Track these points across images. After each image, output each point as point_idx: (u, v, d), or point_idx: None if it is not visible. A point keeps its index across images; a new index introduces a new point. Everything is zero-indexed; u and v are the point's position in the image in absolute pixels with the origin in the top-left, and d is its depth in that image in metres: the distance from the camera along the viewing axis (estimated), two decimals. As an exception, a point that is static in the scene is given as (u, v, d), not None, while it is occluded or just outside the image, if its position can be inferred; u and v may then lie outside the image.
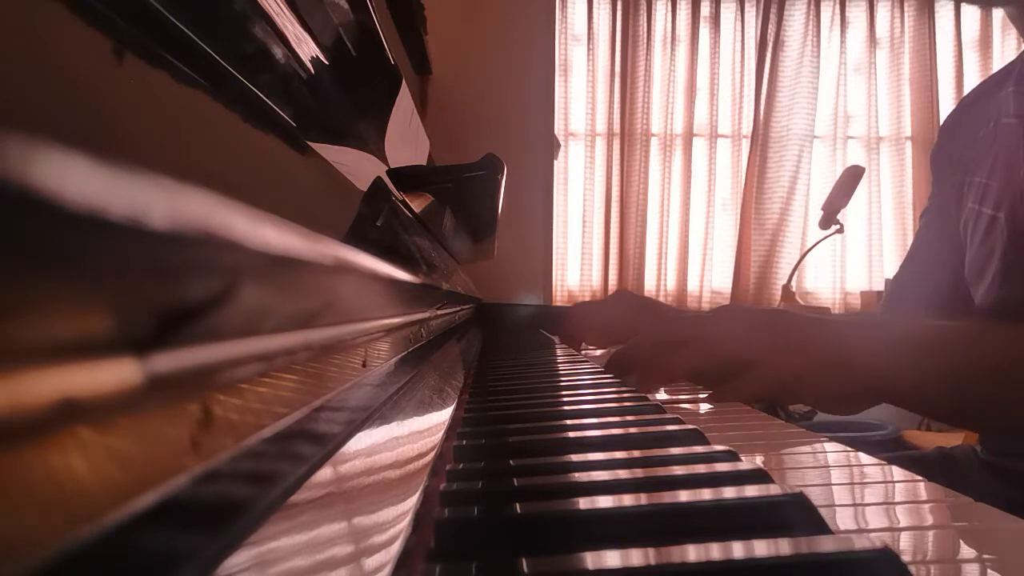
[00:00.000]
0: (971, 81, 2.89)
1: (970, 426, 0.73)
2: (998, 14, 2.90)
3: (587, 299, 2.83)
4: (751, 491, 0.25)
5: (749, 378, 0.56)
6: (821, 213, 2.41)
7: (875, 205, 2.92)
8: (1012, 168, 0.78)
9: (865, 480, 0.33)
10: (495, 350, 1.04)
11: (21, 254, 0.07)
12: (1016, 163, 0.77)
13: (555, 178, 1.97)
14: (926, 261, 0.94)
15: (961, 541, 0.24)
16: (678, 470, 0.29)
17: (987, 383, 0.56)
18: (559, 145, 2.39)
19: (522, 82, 1.68)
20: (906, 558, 0.20)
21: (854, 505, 0.29)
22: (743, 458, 0.31)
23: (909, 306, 0.93)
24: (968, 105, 0.93)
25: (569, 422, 0.42)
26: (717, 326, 0.61)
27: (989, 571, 0.21)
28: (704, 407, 0.55)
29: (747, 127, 2.92)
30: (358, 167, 0.37)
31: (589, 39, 2.87)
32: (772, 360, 0.57)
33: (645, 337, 0.63)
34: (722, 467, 0.29)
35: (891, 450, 0.99)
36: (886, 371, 0.57)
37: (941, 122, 2.92)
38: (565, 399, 0.52)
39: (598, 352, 1.04)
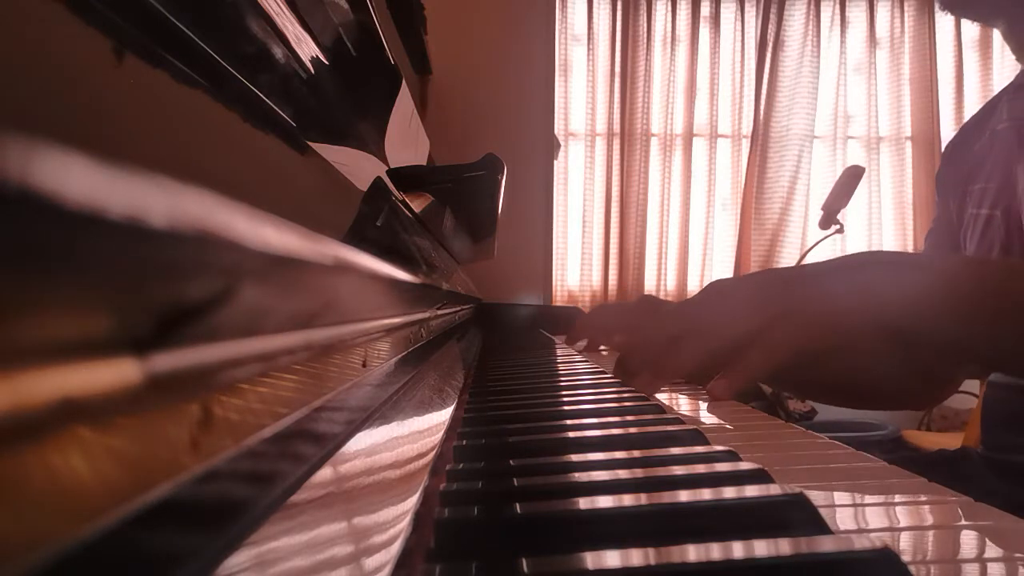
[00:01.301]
0: (971, 81, 2.89)
1: (986, 364, 0.67)
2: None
3: (587, 299, 2.83)
4: (751, 491, 0.25)
5: (750, 358, 0.53)
6: (821, 213, 2.41)
7: (875, 205, 2.91)
8: (1007, 167, 0.79)
9: (865, 480, 0.33)
10: (495, 350, 1.04)
11: (21, 254, 0.07)
12: (1011, 162, 0.79)
13: (555, 178, 1.97)
14: None
15: (961, 541, 0.24)
16: (678, 470, 0.29)
17: (1001, 311, 0.50)
18: (559, 145, 2.39)
19: (522, 82, 1.68)
20: (906, 558, 0.20)
21: (854, 505, 0.29)
22: (743, 458, 0.31)
23: None
24: (967, 129, 0.97)
25: (569, 422, 0.42)
26: (710, 309, 0.57)
27: (990, 570, 0.21)
28: (704, 406, 0.54)
29: (747, 127, 2.92)
30: (358, 167, 0.37)
31: (589, 39, 2.87)
32: (771, 331, 0.53)
33: (642, 339, 0.61)
34: (722, 467, 0.29)
35: (891, 450, 0.99)
36: (890, 307, 0.52)
37: (942, 122, 2.90)
38: (565, 399, 0.52)
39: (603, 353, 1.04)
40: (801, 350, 0.53)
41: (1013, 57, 0.88)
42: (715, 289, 0.60)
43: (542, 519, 0.23)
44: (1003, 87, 0.93)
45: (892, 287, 0.53)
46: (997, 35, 2.91)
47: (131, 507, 0.09)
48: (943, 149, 1.02)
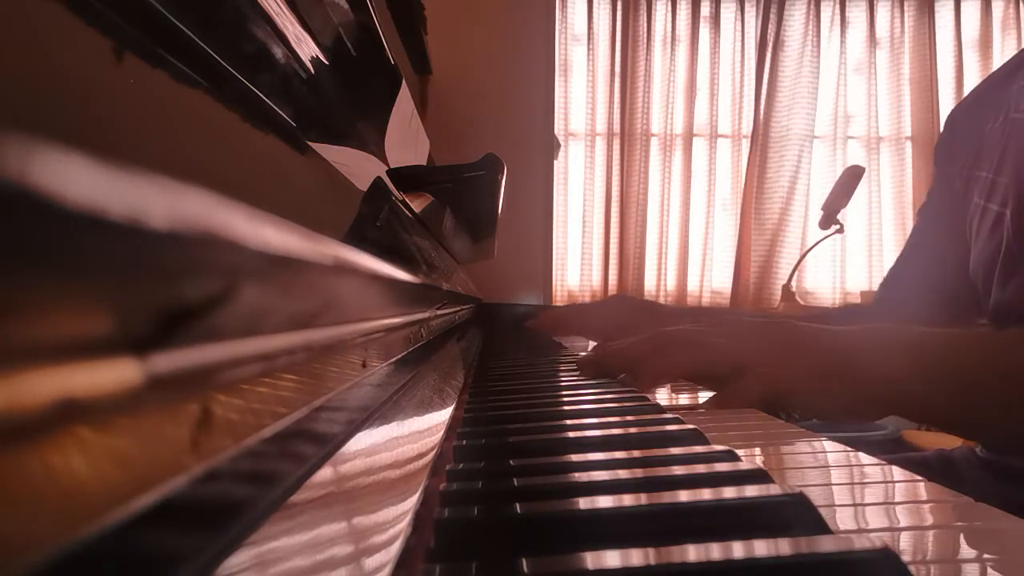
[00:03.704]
0: (971, 81, 2.89)
1: (978, 436, 0.72)
2: (998, 13, 2.90)
3: (587, 299, 2.83)
4: (751, 491, 0.25)
5: (743, 384, 0.55)
6: (821, 213, 2.41)
7: (875, 205, 2.91)
8: (1020, 164, 0.76)
9: (865, 480, 0.33)
10: (495, 350, 1.04)
11: (21, 254, 0.07)
12: None
13: (555, 178, 1.97)
14: (927, 258, 0.93)
15: (961, 541, 0.24)
16: (678, 470, 0.29)
17: (996, 391, 0.55)
18: (559, 145, 2.39)
19: (522, 82, 1.68)
20: (906, 558, 0.20)
21: (854, 505, 0.29)
22: (743, 458, 0.31)
23: (908, 304, 0.92)
24: (975, 98, 0.91)
25: (569, 422, 0.42)
26: (715, 332, 0.60)
27: (990, 571, 0.21)
28: (702, 400, 0.55)
29: (747, 127, 2.92)
30: (358, 167, 0.37)
31: (589, 39, 2.87)
32: (767, 366, 0.56)
33: (638, 338, 0.63)
34: (722, 467, 0.29)
35: (891, 450, 0.99)
36: (889, 380, 0.56)
37: (941, 122, 2.92)
38: (565, 399, 0.52)
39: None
40: (782, 394, 0.57)
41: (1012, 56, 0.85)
42: (725, 317, 0.64)
43: (542, 519, 0.23)
44: (1018, 52, 0.86)
45: (896, 362, 0.57)
46: (997, 35, 2.91)
47: (131, 507, 0.09)
48: (947, 117, 0.95)
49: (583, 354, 0.79)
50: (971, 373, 0.56)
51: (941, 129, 0.97)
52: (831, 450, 0.38)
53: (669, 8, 2.88)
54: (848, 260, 2.90)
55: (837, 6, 2.91)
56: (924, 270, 0.92)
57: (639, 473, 0.28)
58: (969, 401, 0.55)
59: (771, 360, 0.56)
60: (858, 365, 0.56)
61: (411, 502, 0.23)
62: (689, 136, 2.90)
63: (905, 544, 0.24)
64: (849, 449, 0.37)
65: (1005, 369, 0.55)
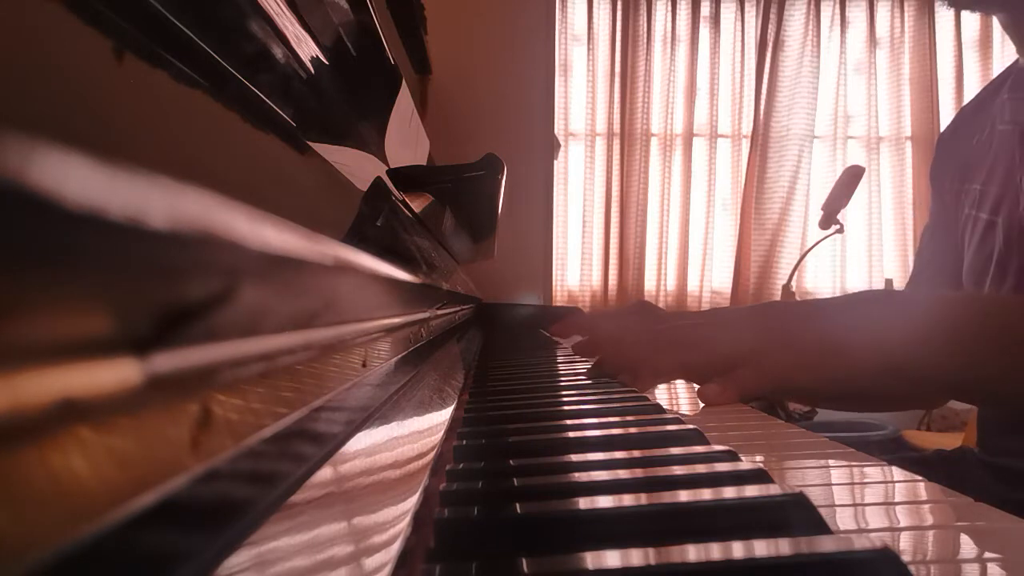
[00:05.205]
0: (971, 81, 2.89)
1: (981, 401, 0.71)
2: (998, 14, 2.90)
3: (587, 299, 2.83)
4: (751, 491, 0.25)
5: (744, 374, 0.55)
6: (821, 213, 2.41)
7: (875, 205, 2.91)
8: (1009, 173, 0.78)
9: (865, 480, 0.33)
10: (495, 350, 1.04)
11: (21, 254, 0.07)
12: (1013, 168, 0.77)
13: (555, 178, 1.97)
14: (928, 276, 0.94)
15: (961, 541, 0.24)
16: (678, 470, 0.29)
17: (994, 354, 0.54)
18: (559, 145, 2.39)
19: (522, 82, 1.68)
20: (906, 558, 0.20)
21: (854, 505, 0.29)
22: (743, 458, 0.31)
23: None
24: (964, 116, 0.94)
25: (569, 422, 0.42)
26: (710, 326, 0.60)
27: (989, 571, 0.21)
28: (703, 406, 0.54)
29: (747, 127, 2.92)
30: (358, 167, 0.37)
31: (589, 39, 2.87)
32: (767, 355, 0.55)
33: (637, 338, 0.63)
34: (722, 467, 0.29)
35: (891, 450, 0.99)
36: (889, 347, 0.54)
37: (942, 122, 2.90)
38: (565, 399, 0.52)
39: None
40: (784, 381, 0.56)
41: (1013, 57, 0.86)
42: (720, 310, 0.64)
43: (542, 519, 0.23)
44: (1003, 71, 0.88)
45: (893, 325, 0.56)
46: (997, 34, 2.91)
47: (131, 507, 0.09)
48: (936, 141, 0.98)
49: (580, 340, 0.79)
50: (969, 337, 0.54)
51: (940, 130, 0.99)
52: (831, 450, 0.38)
53: (669, 8, 2.88)
54: (848, 260, 2.90)
55: (837, 6, 2.91)
56: (928, 287, 0.94)
57: (639, 473, 0.28)
58: (969, 365, 0.54)
59: (767, 348, 0.56)
60: (856, 337, 0.55)
61: (411, 502, 0.23)
62: (689, 136, 2.90)
63: (905, 544, 0.24)
64: (849, 449, 0.37)
65: (1000, 334, 0.54)
